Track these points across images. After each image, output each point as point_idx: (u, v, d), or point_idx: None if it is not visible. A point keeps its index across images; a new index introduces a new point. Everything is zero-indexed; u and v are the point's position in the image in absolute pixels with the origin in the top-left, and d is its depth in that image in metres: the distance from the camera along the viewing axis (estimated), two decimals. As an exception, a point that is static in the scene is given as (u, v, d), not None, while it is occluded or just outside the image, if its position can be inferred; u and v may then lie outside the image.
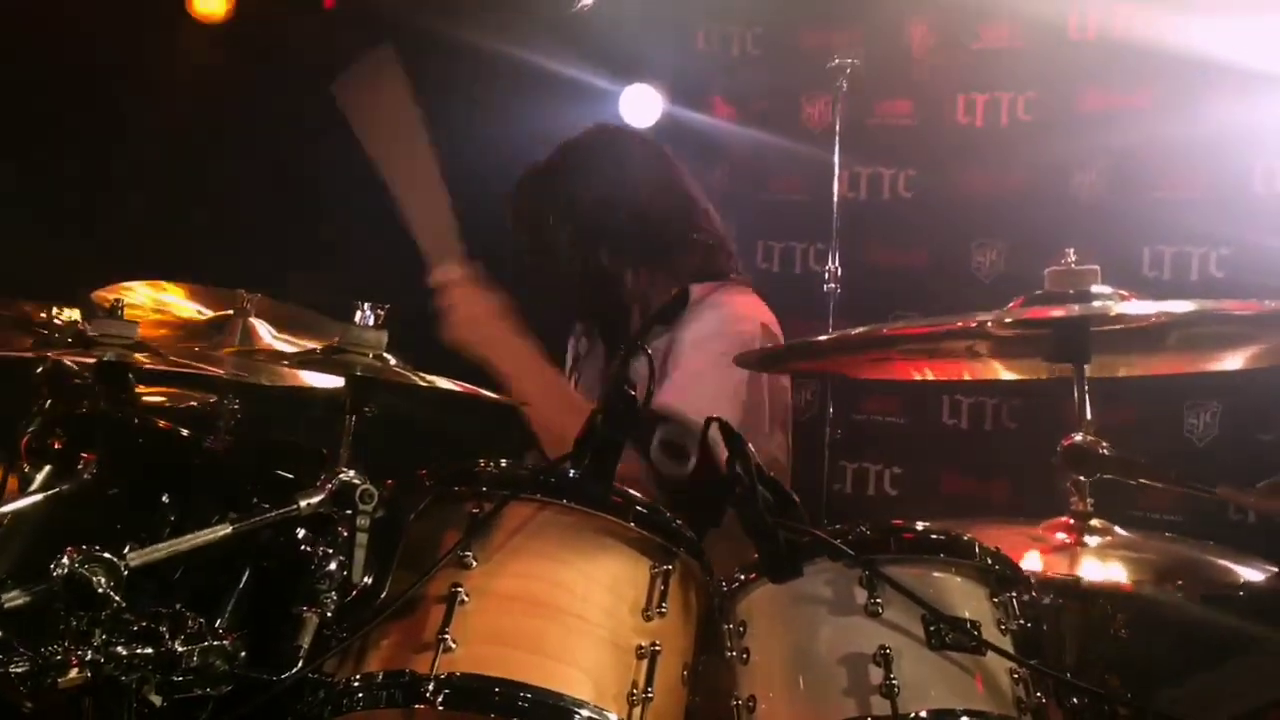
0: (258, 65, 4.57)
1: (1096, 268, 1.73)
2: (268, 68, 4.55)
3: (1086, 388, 1.75)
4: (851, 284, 4.23)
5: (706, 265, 2.76)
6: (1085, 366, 1.75)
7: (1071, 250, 1.75)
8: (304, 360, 1.89)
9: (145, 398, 2.82)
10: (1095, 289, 1.71)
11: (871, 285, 4.57)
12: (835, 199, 4.24)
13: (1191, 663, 2.17)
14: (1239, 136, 4.28)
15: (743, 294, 2.73)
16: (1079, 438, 1.72)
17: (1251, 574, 1.89)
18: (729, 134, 5.05)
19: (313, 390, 2.67)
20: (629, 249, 2.72)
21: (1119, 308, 1.66)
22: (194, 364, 2.17)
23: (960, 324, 1.75)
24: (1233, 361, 2.03)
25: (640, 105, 4.94)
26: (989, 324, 1.73)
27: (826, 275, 4.18)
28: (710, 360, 2.52)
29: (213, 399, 2.88)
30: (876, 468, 4.86)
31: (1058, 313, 1.68)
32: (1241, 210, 4.37)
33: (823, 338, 1.71)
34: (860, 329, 1.74)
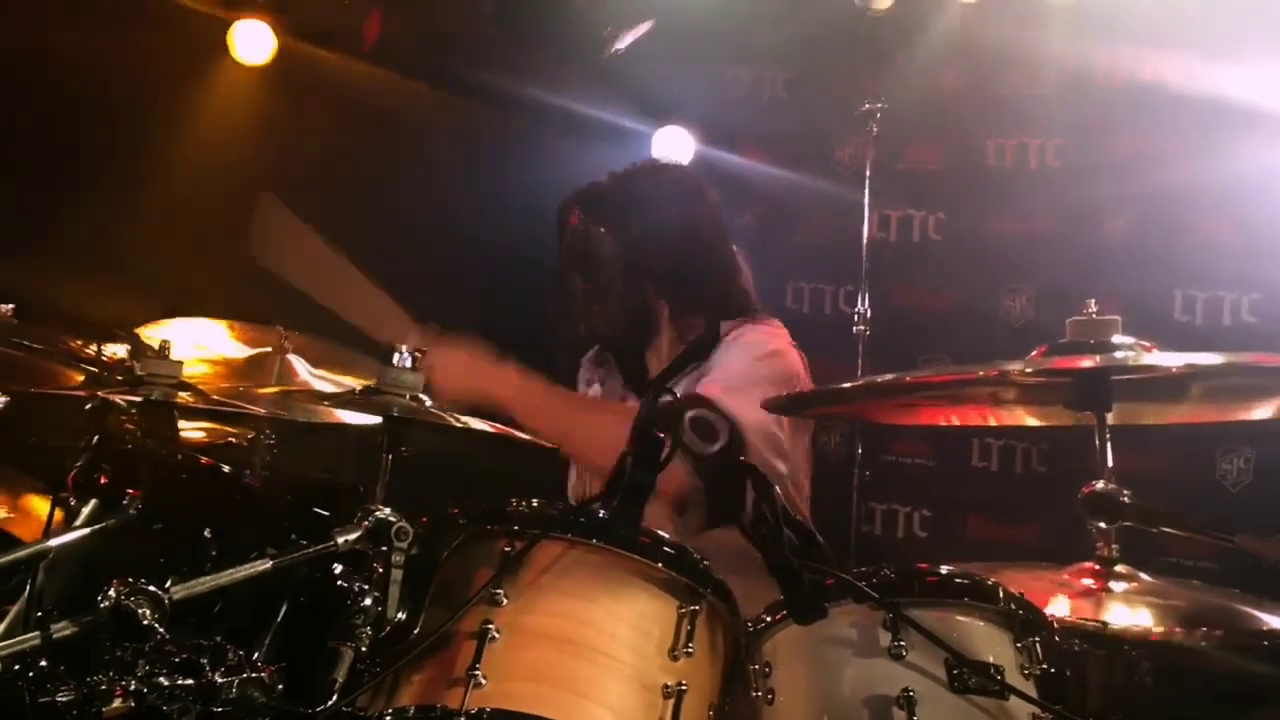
0: (298, 104, 4.67)
1: (1117, 318, 1.76)
2: (308, 106, 4.65)
3: (1108, 436, 1.77)
4: (880, 326, 4.26)
5: (734, 302, 2.83)
6: (1106, 415, 1.77)
7: (1093, 300, 1.78)
8: (343, 401, 1.93)
9: (186, 433, 2.89)
10: (1116, 339, 1.74)
11: (901, 328, 4.60)
12: (865, 241, 4.29)
13: (1217, 712, 2.17)
14: (1268, 181, 4.29)
15: (771, 325, 2.79)
16: (1100, 485, 1.74)
17: (1276, 621, 1.90)
18: (760, 176, 5.11)
19: (347, 427, 2.73)
20: (670, 280, 2.79)
21: (1140, 359, 1.68)
22: (235, 403, 2.22)
23: (983, 373, 1.78)
24: (1262, 411, 2.04)
25: (672, 147, 5.01)
26: (1012, 374, 1.76)
27: (856, 317, 4.22)
28: (748, 363, 2.63)
29: (250, 435, 2.95)
30: (905, 509, 4.86)
31: (1077, 364, 1.71)
32: (1273, 255, 4.36)
33: (848, 385, 1.74)
34: (887, 376, 1.77)
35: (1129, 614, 1.92)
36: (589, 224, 2.76)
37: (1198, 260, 4.47)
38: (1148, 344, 1.72)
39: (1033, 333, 4.65)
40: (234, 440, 3.00)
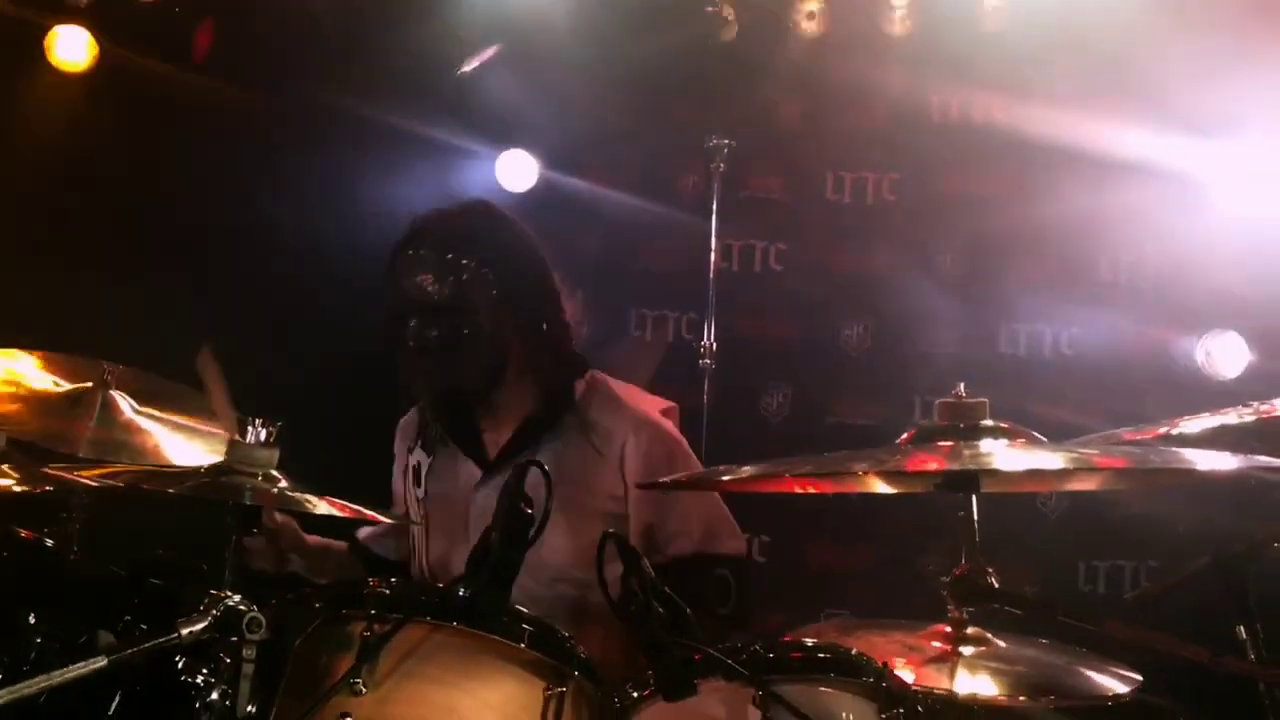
0: (123, 118, 4.41)
1: (985, 400, 1.79)
2: (134, 120, 4.40)
3: (975, 515, 1.80)
4: (724, 355, 4.28)
5: (575, 357, 2.70)
6: (974, 497, 1.81)
7: (962, 384, 1.81)
8: (190, 486, 1.79)
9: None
10: (985, 423, 1.77)
11: (743, 357, 4.64)
12: (711, 275, 4.30)
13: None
14: (1088, 223, 4.51)
15: (624, 386, 2.72)
16: (968, 569, 1.76)
17: (1117, 685, 1.97)
18: (603, 202, 5.07)
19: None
20: (531, 325, 2.60)
21: (1001, 460, 1.71)
22: (61, 474, 2.05)
23: (861, 470, 1.81)
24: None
25: (516, 171, 4.94)
26: (888, 470, 1.77)
27: (701, 350, 4.23)
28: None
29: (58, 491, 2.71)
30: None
31: (945, 466, 1.74)
32: (1089, 293, 4.60)
33: (726, 478, 1.75)
34: (758, 469, 1.78)
35: (976, 681, 1.95)
36: (452, 258, 2.53)
37: (1021, 295, 4.66)
38: (1016, 433, 1.75)
39: (870, 361, 4.81)
40: (50, 488, 2.76)
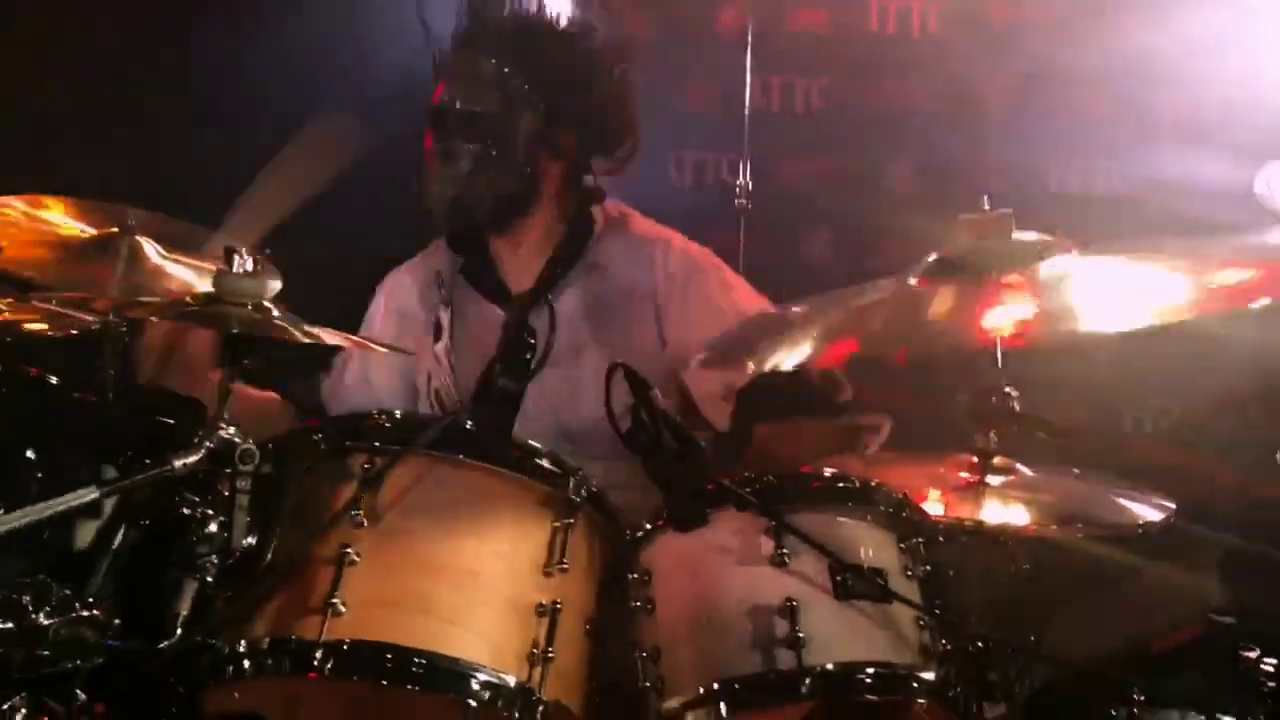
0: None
1: (1010, 211, 1.68)
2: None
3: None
4: (762, 197, 4.15)
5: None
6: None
7: (986, 196, 1.70)
8: (176, 314, 1.74)
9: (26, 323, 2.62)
10: (1016, 236, 1.66)
11: (784, 198, 4.50)
12: (747, 112, 4.15)
13: (1085, 597, 2.21)
14: (1143, 55, 4.27)
15: (645, 220, 2.65)
16: (989, 390, 1.69)
17: (1150, 513, 1.91)
18: (640, 41, 4.88)
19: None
20: (570, 159, 2.57)
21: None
22: (71, 313, 2.02)
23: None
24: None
25: (548, 4, 4.75)
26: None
27: (737, 191, 4.10)
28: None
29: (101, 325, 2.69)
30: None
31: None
32: (1145, 128, 4.40)
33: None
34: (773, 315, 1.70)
35: (1005, 510, 1.90)
36: (505, 71, 2.48)
37: (1073, 131, 4.48)
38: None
39: (915, 202, 4.65)
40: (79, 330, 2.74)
